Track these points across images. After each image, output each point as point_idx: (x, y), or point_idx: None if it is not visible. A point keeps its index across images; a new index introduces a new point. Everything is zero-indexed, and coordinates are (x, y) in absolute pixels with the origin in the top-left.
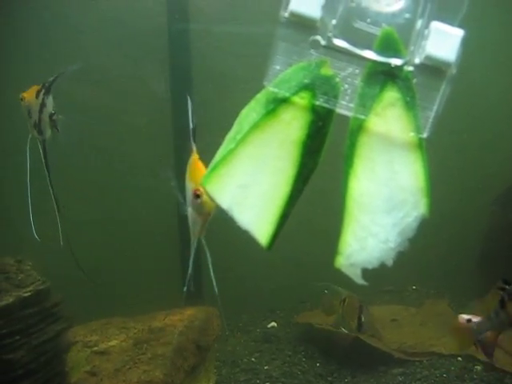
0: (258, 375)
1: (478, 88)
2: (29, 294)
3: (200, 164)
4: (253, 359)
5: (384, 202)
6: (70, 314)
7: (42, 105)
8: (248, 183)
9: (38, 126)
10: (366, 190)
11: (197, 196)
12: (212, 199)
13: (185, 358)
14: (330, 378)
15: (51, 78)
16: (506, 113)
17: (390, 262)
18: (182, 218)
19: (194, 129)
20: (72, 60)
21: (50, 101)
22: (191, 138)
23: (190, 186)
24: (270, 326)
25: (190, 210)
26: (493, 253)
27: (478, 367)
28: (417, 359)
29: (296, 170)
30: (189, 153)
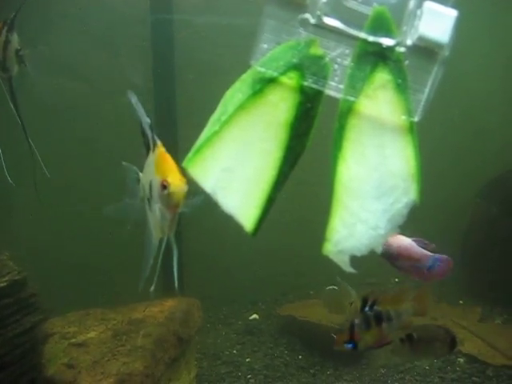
0: (239, 368)
1: (466, 79)
2: (4, 284)
3: (167, 156)
4: (234, 351)
5: (374, 188)
6: (47, 305)
7: (6, 42)
8: (233, 166)
9: (2, 64)
10: (355, 175)
11: (164, 187)
12: (179, 190)
13: (165, 350)
14: (312, 371)
15: (12, 15)
16: (494, 106)
17: (379, 249)
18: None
19: (150, 124)
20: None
21: (14, 37)
22: (150, 134)
23: (156, 179)
24: (251, 318)
25: (156, 207)
26: (475, 244)
27: (461, 360)
28: None
29: (283, 153)
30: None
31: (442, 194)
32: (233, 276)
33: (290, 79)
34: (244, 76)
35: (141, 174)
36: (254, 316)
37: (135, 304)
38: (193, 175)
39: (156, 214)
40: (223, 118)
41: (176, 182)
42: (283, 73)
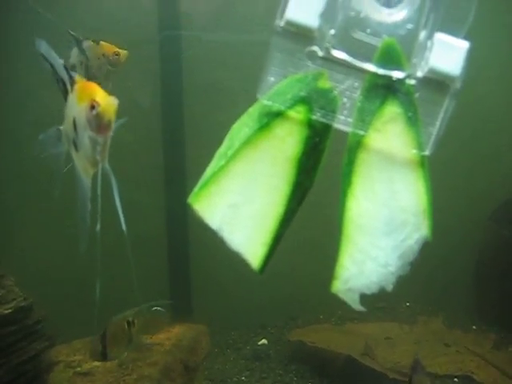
0: None
1: (476, 103)
2: (10, 311)
3: (90, 83)
4: (243, 378)
5: (384, 224)
6: (52, 332)
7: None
8: (239, 202)
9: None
10: (365, 211)
11: (92, 107)
12: (110, 106)
13: (172, 379)
14: None
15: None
16: (506, 128)
17: (389, 287)
18: (171, 233)
19: (64, 65)
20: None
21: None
22: (66, 74)
23: (81, 108)
24: (260, 343)
25: (85, 136)
26: (487, 268)
27: None
28: None
29: (290, 188)
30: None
31: (453, 217)
32: (241, 299)
33: (298, 113)
34: (251, 110)
35: (61, 127)
36: (263, 341)
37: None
38: (199, 211)
39: (86, 145)
40: (230, 153)
41: (105, 99)
42: (290, 106)
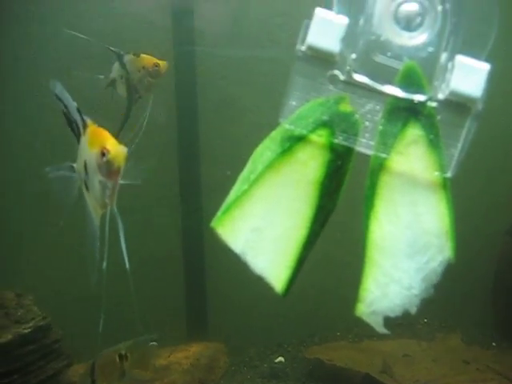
0: None
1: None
2: (29, 330)
3: (101, 129)
4: None
5: (407, 246)
6: (70, 351)
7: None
8: (262, 226)
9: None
10: (388, 233)
11: (103, 154)
12: (120, 154)
13: None
14: None
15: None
16: None
17: (413, 310)
18: (187, 250)
19: (77, 107)
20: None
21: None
22: (79, 117)
23: (92, 153)
24: (277, 360)
25: (95, 180)
26: (506, 283)
27: None
28: None
29: (313, 211)
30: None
31: (469, 232)
32: (258, 317)
33: (320, 137)
34: (273, 134)
35: (74, 165)
36: (280, 359)
37: (159, 349)
38: (222, 235)
39: (96, 188)
40: (252, 177)
41: (115, 147)
42: (312, 130)
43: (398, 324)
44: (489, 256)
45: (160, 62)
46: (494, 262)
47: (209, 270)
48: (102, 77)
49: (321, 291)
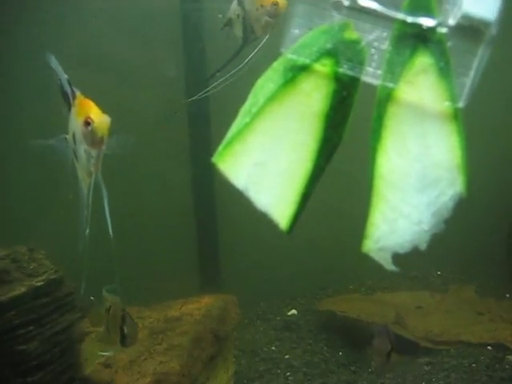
0: (278, 365)
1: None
2: (41, 283)
3: (87, 100)
4: (273, 348)
5: (416, 180)
6: (83, 304)
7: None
8: (265, 161)
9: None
10: (396, 167)
11: (87, 124)
12: (103, 123)
13: (202, 349)
14: (352, 368)
15: None
16: None
17: (423, 246)
18: (199, 205)
19: (68, 80)
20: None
21: None
22: (69, 89)
23: (78, 123)
24: (290, 313)
25: (82, 149)
26: None
27: (510, 357)
28: (444, 348)
29: (318, 145)
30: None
31: (486, 184)
32: (271, 271)
33: (324, 66)
34: (275, 64)
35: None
36: (293, 311)
37: (170, 301)
38: (224, 170)
39: (82, 156)
40: (254, 110)
41: (99, 117)
42: (316, 59)
43: (411, 277)
44: (505, 208)
45: (279, 0)
46: (510, 214)
47: (221, 225)
48: (220, 16)
49: (333, 245)
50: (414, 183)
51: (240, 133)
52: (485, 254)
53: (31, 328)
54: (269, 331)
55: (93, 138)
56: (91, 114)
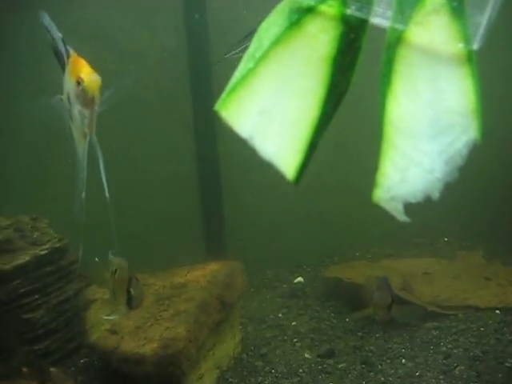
0: (285, 331)
1: None
2: (45, 252)
3: (79, 58)
4: (280, 315)
5: (428, 126)
6: (88, 272)
7: None
8: (271, 108)
9: None
10: (407, 113)
11: (78, 83)
12: (93, 82)
13: (208, 314)
14: (360, 333)
15: None
16: None
17: (436, 196)
18: (202, 170)
19: (62, 38)
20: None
21: None
22: (63, 47)
23: (71, 83)
24: (296, 281)
25: (75, 110)
26: None
27: None
28: (451, 313)
29: (325, 90)
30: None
31: (493, 150)
32: (277, 239)
33: (331, 7)
34: (279, 6)
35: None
36: (299, 279)
37: (176, 268)
38: (227, 118)
39: (76, 117)
40: (258, 55)
41: (89, 76)
42: (322, 0)
43: (418, 243)
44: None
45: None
46: None
47: (226, 193)
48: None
49: (339, 213)
50: (426, 130)
51: (244, 79)
52: (492, 220)
53: (36, 297)
54: (275, 299)
55: (84, 98)
56: (82, 73)
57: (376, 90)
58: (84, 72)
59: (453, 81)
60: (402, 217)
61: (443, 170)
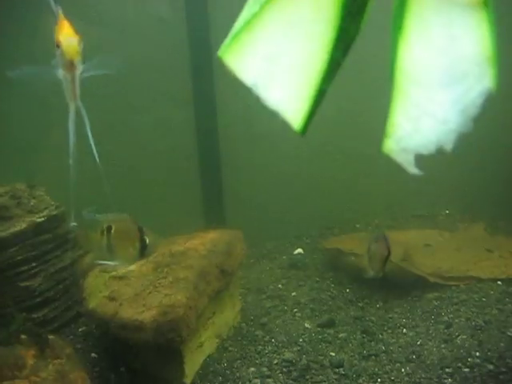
0: (285, 301)
1: None
2: (42, 219)
3: (63, 21)
4: (279, 286)
5: (442, 74)
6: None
7: None
8: (276, 53)
9: None
10: (419, 60)
11: (57, 47)
12: (70, 45)
13: (208, 282)
14: (360, 304)
15: None
16: None
17: (449, 147)
18: (201, 142)
19: None
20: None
21: None
22: (55, 8)
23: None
24: (296, 252)
25: (61, 75)
26: None
27: None
28: (453, 284)
29: (334, 35)
30: None
31: (496, 122)
32: (276, 211)
33: None
34: None
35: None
36: (299, 250)
37: (175, 237)
38: (230, 64)
39: (63, 81)
40: None
41: (67, 39)
42: None
43: (419, 215)
44: None
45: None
46: None
47: (225, 166)
48: None
49: (339, 185)
50: (439, 78)
51: (248, 23)
52: (493, 193)
53: (34, 264)
54: (275, 270)
55: (64, 62)
56: (61, 36)
57: (384, 43)
58: (63, 34)
59: (468, 27)
60: (412, 169)
61: (457, 120)
